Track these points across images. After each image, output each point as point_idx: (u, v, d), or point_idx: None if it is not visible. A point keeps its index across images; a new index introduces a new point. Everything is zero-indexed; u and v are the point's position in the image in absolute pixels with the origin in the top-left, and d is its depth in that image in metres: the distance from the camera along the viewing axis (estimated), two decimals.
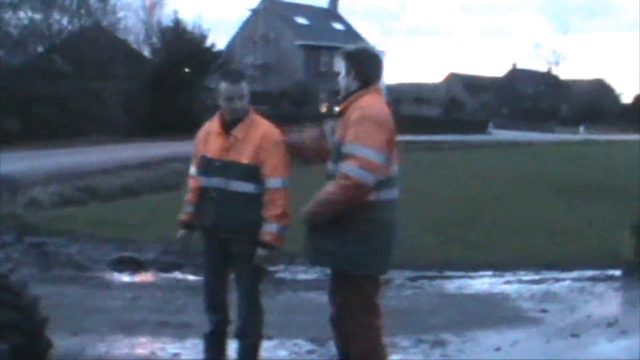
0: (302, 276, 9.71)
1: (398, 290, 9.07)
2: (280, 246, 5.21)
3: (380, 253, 5.10)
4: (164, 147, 29.75)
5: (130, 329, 7.14)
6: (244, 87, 5.34)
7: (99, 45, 39.46)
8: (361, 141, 4.84)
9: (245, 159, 5.23)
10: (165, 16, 46.39)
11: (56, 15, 41.83)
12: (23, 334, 4.77)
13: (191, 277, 9.34)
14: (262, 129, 5.31)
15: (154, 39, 44.93)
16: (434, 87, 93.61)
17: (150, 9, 46.88)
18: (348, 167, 4.80)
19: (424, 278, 9.63)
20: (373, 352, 5.14)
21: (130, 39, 45.39)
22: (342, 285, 5.08)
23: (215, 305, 5.58)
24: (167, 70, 39.30)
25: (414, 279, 9.56)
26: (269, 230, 5.16)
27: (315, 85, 61.71)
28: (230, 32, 70.36)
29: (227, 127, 5.36)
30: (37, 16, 40.62)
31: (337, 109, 5.51)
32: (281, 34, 67.45)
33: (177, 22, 43.87)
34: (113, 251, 10.46)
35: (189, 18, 58.27)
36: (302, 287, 9.08)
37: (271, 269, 9.57)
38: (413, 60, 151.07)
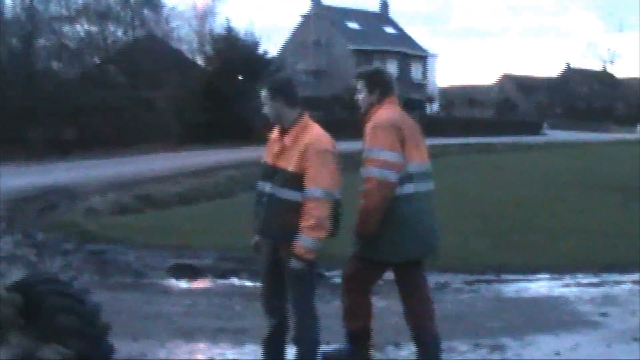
0: None
1: (455, 294, 9.00)
2: (310, 259, 5.18)
3: (401, 242, 5.78)
4: (217, 154, 29.99)
5: (189, 335, 7.20)
6: (265, 94, 5.40)
7: (153, 55, 40.01)
8: (375, 145, 5.71)
9: (291, 166, 5.26)
10: (218, 25, 46.91)
11: (111, 27, 42.52)
12: (85, 340, 4.85)
13: (248, 283, 9.38)
14: (309, 137, 5.30)
15: (207, 48, 45.35)
16: (486, 89, 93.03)
17: (202, 18, 47.37)
18: (368, 170, 5.73)
19: (480, 282, 9.54)
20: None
21: (183, 48, 45.99)
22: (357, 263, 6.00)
23: (271, 310, 5.63)
24: (220, 78, 39.58)
25: (470, 283, 9.48)
26: (300, 241, 5.16)
27: None
28: (282, 39, 70.56)
29: (282, 132, 5.44)
30: (93, 28, 41.30)
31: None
32: (333, 39, 67.58)
33: (230, 31, 44.20)
34: (170, 258, 10.53)
35: (241, 26, 58.73)
36: None
37: (327, 274, 9.61)
38: (465, 62, 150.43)
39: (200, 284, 8.82)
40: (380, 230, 5.71)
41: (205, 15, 47.54)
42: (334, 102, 53.50)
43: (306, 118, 5.41)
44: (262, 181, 5.47)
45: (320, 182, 5.18)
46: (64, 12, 41.13)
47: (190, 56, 46.20)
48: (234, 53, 41.91)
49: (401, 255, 5.92)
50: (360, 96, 6.18)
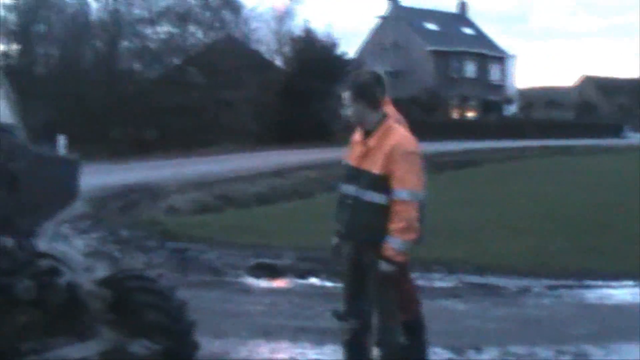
0: (438, 284, 9.63)
1: (537, 298, 8.89)
2: (401, 261, 5.16)
3: None
4: (295, 155, 30.17)
5: (270, 334, 7.27)
6: (348, 96, 5.39)
7: (232, 56, 40.35)
8: None
9: (376, 169, 5.23)
10: (296, 26, 47.09)
11: (191, 29, 43.05)
12: (172, 336, 4.96)
13: (328, 284, 9.42)
14: (394, 138, 5.28)
15: (285, 49, 45.62)
16: (566, 91, 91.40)
17: (281, 20, 47.64)
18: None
19: (562, 287, 9.40)
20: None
21: (262, 49, 46.22)
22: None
23: (352, 311, 5.61)
24: (298, 79, 39.79)
25: (552, 288, 9.34)
26: (390, 244, 5.14)
27: (446, 91, 61.30)
28: (360, 41, 70.54)
29: (366, 135, 5.44)
30: (174, 30, 41.89)
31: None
32: (411, 40, 67.25)
33: (308, 32, 44.41)
34: (250, 257, 10.65)
35: (319, 27, 58.82)
36: (439, 294, 8.99)
37: None
38: (545, 63, 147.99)
39: (280, 283, 8.89)
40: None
41: (284, 16, 47.77)
42: (412, 103, 53.28)
43: (390, 120, 5.39)
44: (346, 183, 5.47)
45: (408, 184, 5.15)
46: (146, 14, 41.82)
47: (268, 57, 46.52)
48: (313, 54, 42.12)
49: None
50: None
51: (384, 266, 5.15)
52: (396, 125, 5.39)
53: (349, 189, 5.41)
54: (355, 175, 5.38)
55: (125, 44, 41.29)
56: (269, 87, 40.30)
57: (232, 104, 38.46)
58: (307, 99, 38.63)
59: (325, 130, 37.54)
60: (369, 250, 5.27)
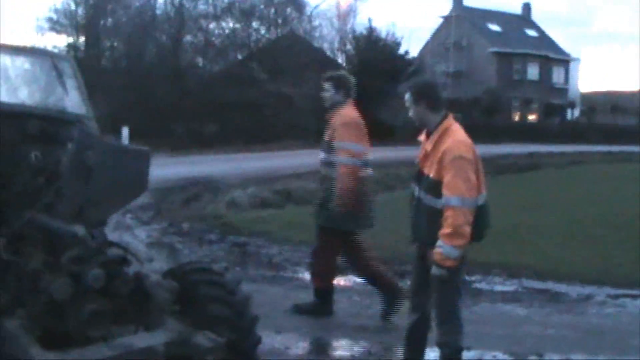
0: (499, 287, 9.55)
1: (599, 307, 8.75)
2: (449, 267, 5.19)
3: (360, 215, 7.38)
4: None
5: (330, 331, 7.33)
6: (408, 97, 5.56)
7: (294, 52, 40.55)
8: (345, 139, 7.19)
9: (432, 174, 5.33)
10: (359, 24, 47.11)
11: (255, 25, 43.37)
12: (235, 330, 5.01)
13: None
14: (447, 143, 5.31)
15: (348, 47, 45.65)
16: (631, 96, 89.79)
17: (344, 18, 47.68)
18: (340, 159, 7.20)
19: (625, 296, 9.24)
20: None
21: (325, 46, 46.34)
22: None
23: (415, 305, 5.76)
24: (360, 77, 39.73)
25: (615, 297, 9.19)
26: (437, 248, 5.21)
27: (508, 93, 60.67)
28: (422, 40, 70.24)
29: (428, 135, 5.53)
30: (238, 26, 42.24)
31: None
32: (473, 41, 66.74)
33: (371, 30, 44.36)
34: (310, 253, 10.69)
35: (382, 26, 58.75)
36: (499, 298, 8.93)
37: (467, 278, 9.53)
38: (609, 67, 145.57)
39: (340, 281, 8.89)
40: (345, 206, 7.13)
41: (347, 14, 47.85)
42: (473, 105, 52.93)
43: (447, 123, 5.42)
44: (413, 183, 5.61)
45: (455, 190, 5.17)
46: (211, 10, 42.25)
47: (331, 55, 46.62)
48: (375, 53, 42.06)
49: (361, 225, 7.49)
50: (327, 94, 7.53)
51: (434, 270, 5.26)
52: (454, 128, 5.43)
53: (415, 189, 5.54)
54: (419, 177, 5.52)
55: (189, 38, 41.77)
56: None
57: (293, 100, 38.61)
58: (368, 98, 38.47)
59: (385, 129, 37.42)
60: (429, 253, 5.35)
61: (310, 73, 39.66)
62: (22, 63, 6.45)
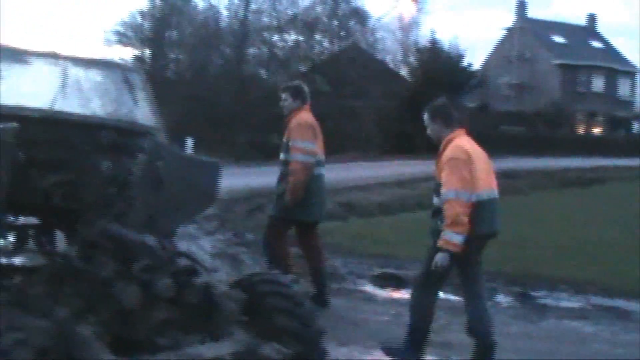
0: (565, 303, 9.39)
1: None
2: (452, 250, 6.03)
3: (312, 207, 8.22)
4: (418, 165, 29.89)
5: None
6: (426, 117, 6.58)
7: (357, 65, 40.58)
8: (299, 138, 7.87)
9: (439, 178, 6.29)
10: (422, 36, 46.94)
11: (318, 37, 43.55)
12: (302, 341, 5.01)
13: (452, 297, 9.34)
14: (447, 150, 6.29)
15: (411, 59, 45.54)
16: None
17: (407, 30, 47.60)
18: (295, 156, 7.90)
19: None
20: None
21: (388, 59, 46.31)
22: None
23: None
24: (423, 89, 39.62)
25: None
26: (442, 236, 6.08)
27: (572, 106, 59.81)
28: (485, 52, 69.65)
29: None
30: (301, 38, 42.47)
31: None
32: (537, 52, 65.97)
33: (434, 42, 44.20)
34: (375, 267, 10.68)
35: (445, 38, 58.48)
36: (565, 314, 8.79)
37: (533, 294, 9.42)
38: None
39: (404, 294, 8.85)
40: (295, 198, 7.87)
41: (410, 26, 47.73)
42: (537, 117, 52.33)
43: (452, 135, 6.37)
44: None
45: (450, 185, 6.09)
46: (274, 22, 42.55)
47: (394, 67, 46.59)
48: (438, 65, 41.87)
49: (312, 216, 8.32)
50: (286, 103, 8.24)
51: (438, 257, 6.10)
52: (457, 139, 6.35)
53: (434, 199, 6.48)
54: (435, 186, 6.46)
55: (252, 50, 42.11)
56: (393, 97, 40.28)
57: (356, 112, 38.63)
58: None
59: None
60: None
61: (373, 85, 39.71)
62: (94, 75, 6.58)
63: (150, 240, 4.80)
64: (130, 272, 4.65)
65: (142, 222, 5.13)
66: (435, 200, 6.37)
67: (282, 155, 8.22)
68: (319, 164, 8.10)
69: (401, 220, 16.12)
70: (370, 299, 8.78)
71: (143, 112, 6.41)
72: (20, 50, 6.44)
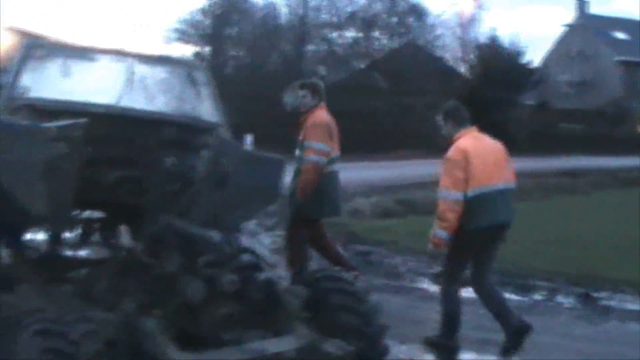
0: (630, 306, 9.15)
1: None
2: (435, 244, 6.72)
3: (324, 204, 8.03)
4: None
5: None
6: (440, 119, 7.07)
7: (416, 62, 40.39)
8: (313, 139, 7.78)
9: None
10: (482, 33, 46.49)
11: (376, 34, 43.45)
12: (363, 339, 5.02)
13: (514, 297, 9.26)
14: (447, 152, 6.71)
15: (470, 56, 45.17)
16: None
17: (466, 27, 47.19)
18: (308, 156, 7.81)
19: None
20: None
21: (446, 56, 46.00)
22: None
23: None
24: (482, 87, 39.28)
25: None
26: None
27: (634, 104, 58.73)
28: (545, 49, 68.71)
29: None
30: (360, 35, 42.41)
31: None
32: (598, 49, 64.77)
33: (494, 39, 43.77)
34: (433, 264, 10.61)
35: (505, 35, 57.78)
36: (630, 317, 8.57)
37: (595, 295, 9.26)
38: None
39: (463, 292, 8.77)
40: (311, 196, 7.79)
41: (469, 23, 47.30)
42: (598, 115, 51.49)
43: (458, 135, 6.80)
44: None
45: (442, 184, 6.63)
46: (334, 19, 42.55)
47: (453, 64, 46.24)
48: (498, 62, 41.45)
49: (323, 213, 8.17)
50: (305, 100, 8.08)
51: (428, 247, 6.89)
52: (461, 139, 6.76)
53: None
54: None
55: (311, 47, 42.16)
56: (452, 94, 39.98)
57: (414, 110, 38.45)
58: (491, 108, 38.02)
59: (508, 139, 36.80)
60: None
61: (431, 83, 39.44)
62: (159, 72, 6.66)
63: (215, 236, 4.84)
64: (195, 267, 4.70)
65: (207, 218, 5.18)
66: None
67: (297, 152, 8.19)
68: (332, 161, 8.00)
69: None
70: (429, 297, 8.72)
71: (207, 109, 6.48)
72: (87, 48, 6.55)
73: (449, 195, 6.52)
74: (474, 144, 6.76)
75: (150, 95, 6.33)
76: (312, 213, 8.06)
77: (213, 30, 41.48)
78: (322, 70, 41.80)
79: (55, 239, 6.30)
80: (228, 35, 42.15)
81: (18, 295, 5.10)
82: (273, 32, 41.02)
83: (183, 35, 42.16)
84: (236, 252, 4.90)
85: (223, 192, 5.12)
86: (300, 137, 8.07)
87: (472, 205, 6.51)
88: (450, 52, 46.78)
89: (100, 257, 6.35)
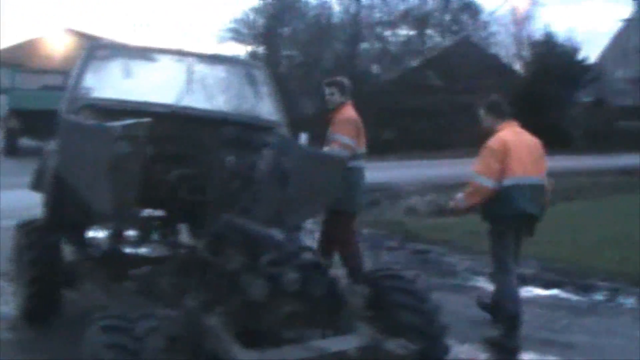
0: None
1: None
2: (452, 204, 7.35)
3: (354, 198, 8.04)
4: None
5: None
6: (481, 112, 7.43)
7: (469, 59, 40.02)
8: (340, 133, 7.87)
9: None
10: (536, 30, 45.91)
11: (429, 32, 43.23)
12: (425, 338, 4.99)
13: (573, 297, 9.16)
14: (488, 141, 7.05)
15: (525, 53, 44.66)
16: None
17: (521, 23, 46.66)
18: (332, 149, 7.63)
19: None
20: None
21: (501, 53, 45.53)
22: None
23: None
24: (537, 84, 38.80)
25: None
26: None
27: None
28: (601, 45, 67.62)
29: None
30: (413, 33, 42.22)
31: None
32: None
33: (549, 36, 43.19)
34: (491, 263, 10.51)
35: (560, 31, 57.08)
36: None
37: None
38: None
39: (523, 293, 8.68)
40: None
41: (524, 20, 46.72)
42: None
43: (498, 127, 7.16)
44: None
45: (475, 167, 7.02)
46: (387, 17, 42.39)
47: (507, 61, 45.72)
48: (553, 59, 40.89)
49: (347, 206, 7.92)
50: (333, 97, 8.13)
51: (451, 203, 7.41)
52: (501, 132, 7.11)
53: None
54: None
55: (365, 46, 42.08)
56: (506, 92, 39.56)
57: (469, 108, 38.15)
58: (546, 106, 37.54)
59: (564, 137, 36.28)
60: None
61: (485, 80, 39.07)
62: (219, 71, 6.72)
63: (278, 234, 4.85)
64: (257, 265, 4.71)
65: (268, 216, 5.20)
66: None
67: (325, 148, 8.15)
68: (357, 157, 8.02)
69: None
70: (488, 296, 8.64)
71: (267, 108, 6.51)
72: (148, 49, 6.63)
73: (479, 180, 6.92)
74: (514, 137, 7.09)
75: (210, 94, 6.38)
76: (344, 207, 7.94)
77: (266, 30, 41.63)
78: (375, 68, 41.74)
79: (117, 237, 6.38)
80: (281, 34, 42.25)
81: (83, 292, 5.18)
82: (326, 31, 41.01)
83: (237, 35, 42.42)
84: (298, 251, 4.90)
85: (284, 190, 5.13)
86: (328, 132, 8.18)
87: (506, 194, 6.84)
88: (505, 49, 46.29)
89: (161, 255, 6.41)
